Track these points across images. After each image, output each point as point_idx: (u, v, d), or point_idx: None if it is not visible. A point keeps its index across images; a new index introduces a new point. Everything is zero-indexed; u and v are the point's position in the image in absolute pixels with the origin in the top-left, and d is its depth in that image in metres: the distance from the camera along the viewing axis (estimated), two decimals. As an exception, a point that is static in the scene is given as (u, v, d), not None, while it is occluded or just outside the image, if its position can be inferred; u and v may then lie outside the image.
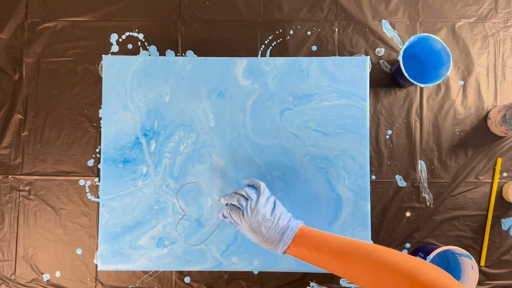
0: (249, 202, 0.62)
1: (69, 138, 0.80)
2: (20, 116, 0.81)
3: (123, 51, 0.81)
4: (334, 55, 0.81)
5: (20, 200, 0.80)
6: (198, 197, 0.74)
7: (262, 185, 0.65)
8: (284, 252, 0.61)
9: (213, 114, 0.74)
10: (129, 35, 0.82)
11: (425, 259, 0.70)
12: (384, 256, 0.53)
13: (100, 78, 0.77)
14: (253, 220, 0.61)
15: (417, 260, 0.52)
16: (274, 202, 0.64)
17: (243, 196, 0.64)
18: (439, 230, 0.78)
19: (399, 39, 0.81)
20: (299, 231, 0.61)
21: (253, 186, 0.67)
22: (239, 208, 0.63)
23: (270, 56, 0.81)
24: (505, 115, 0.73)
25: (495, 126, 0.77)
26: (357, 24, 0.82)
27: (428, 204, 0.79)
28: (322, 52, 0.81)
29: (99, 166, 0.78)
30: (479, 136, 0.80)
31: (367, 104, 0.74)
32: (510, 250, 0.78)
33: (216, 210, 0.73)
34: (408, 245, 0.78)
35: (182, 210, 0.72)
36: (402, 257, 0.53)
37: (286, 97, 0.74)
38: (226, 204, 0.66)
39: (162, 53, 0.81)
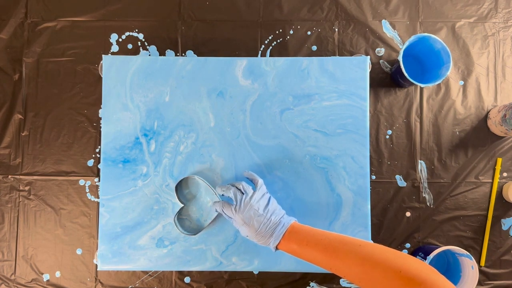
0: (244, 196, 0.64)
1: (69, 138, 0.80)
2: (20, 116, 0.81)
3: (123, 51, 0.81)
4: (334, 55, 0.81)
5: (20, 200, 0.80)
6: (198, 197, 0.74)
7: (260, 182, 0.66)
8: (276, 247, 0.63)
9: (213, 114, 0.74)
10: (129, 35, 0.81)
11: (425, 259, 0.70)
12: (371, 250, 0.55)
13: (100, 78, 0.77)
14: (246, 214, 0.63)
15: (404, 255, 0.54)
16: (269, 199, 0.65)
17: (240, 190, 0.65)
18: (439, 230, 0.78)
19: (399, 39, 0.81)
20: (291, 227, 0.62)
21: (251, 181, 0.68)
22: (232, 203, 0.65)
23: (270, 56, 0.81)
24: (505, 115, 0.73)
25: (495, 126, 0.77)
26: (357, 24, 0.82)
27: (428, 204, 0.79)
28: (322, 52, 0.81)
29: (99, 166, 0.78)
30: (479, 136, 0.80)
31: (367, 104, 0.74)
32: (510, 250, 0.78)
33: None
34: (408, 245, 0.78)
35: (181, 202, 0.72)
36: (389, 252, 0.54)
37: (286, 97, 0.74)
38: (222, 195, 0.67)
39: (162, 53, 0.81)
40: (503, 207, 0.79)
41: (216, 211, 0.67)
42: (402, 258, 0.52)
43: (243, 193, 0.65)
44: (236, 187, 0.66)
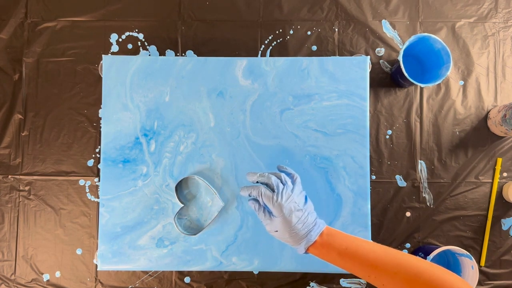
0: (285, 187, 0.60)
1: (69, 138, 0.80)
2: (20, 116, 0.81)
3: (123, 51, 0.81)
4: (334, 55, 0.81)
5: (20, 200, 0.80)
6: (198, 197, 0.74)
7: (298, 177, 0.63)
8: (307, 250, 0.59)
9: (213, 114, 0.74)
10: (129, 35, 0.81)
11: (425, 259, 0.70)
12: (419, 269, 0.53)
13: (100, 78, 0.77)
14: (286, 206, 0.59)
15: (451, 274, 0.52)
16: (306, 197, 0.62)
17: (280, 179, 0.61)
18: (439, 230, 0.78)
19: (399, 39, 0.81)
20: (326, 229, 0.60)
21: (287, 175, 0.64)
22: (272, 190, 0.60)
23: (270, 56, 0.81)
24: (505, 115, 0.73)
25: (495, 126, 0.77)
26: (357, 24, 0.82)
27: (428, 204, 0.79)
28: (322, 52, 0.81)
29: (99, 166, 0.78)
30: (479, 136, 0.80)
31: (367, 104, 0.74)
32: (510, 250, 0.78)
33: (215, 208, 0.72)
34: (408, 245, 0.78)
35: (181, 202, 0.72)
36: (437, 270, 0.53)
37: (286, 97, 0.74)
38: (257, 182, 0.63)
39: (162, 53, 0.81)
40: (503, 207, 0.79)
41: (250, 196, 0.62)
42: (455, 279, 0.51)
43: (283, 184, 0.61)
44: (276, 176, 0.62)
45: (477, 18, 0.82)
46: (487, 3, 0.82)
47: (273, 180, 0.61)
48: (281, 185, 0.60)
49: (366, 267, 0.56)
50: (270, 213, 0.61)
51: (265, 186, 0.61)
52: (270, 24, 0.82)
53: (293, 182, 0.62)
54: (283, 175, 0.62)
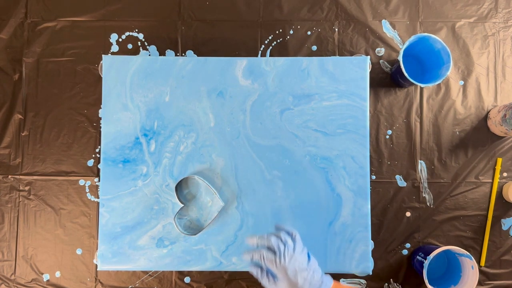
0: (286, 247, 0.58)
1: (69, 138, 0.80)
2: (20, 116, 0.81)
3: (123, 51, 0.81)
4: (334, 55, 0.81)
5: (20, 200, 0.80)
6: (198, 197, 0.74)
7: (297, 234, 0.61)
8: None
9: (213, 114, 0.74)
10: (129, 35, 0.81)
11: (426, 259, 0.70)
12: None
13: (100, 78, 0.77)
14: (290, 267, 0.57)
15: None
16: (308, 253, 0.60)
17: (280, 239, 0.59)
18: (439, 230, 0.78)
19: (399, 39, 0.81)
20: (334, 286, 0.58)
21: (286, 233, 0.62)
22: (273, 253, 0.58)
23: (270, 56, 0.81)
24: (505, 115, 0.73)
25: (495, 126, 0.77)
26: (357, 24, 0.82)
27: (428, 204, 0.79)
28: (322, 52, 0.81)
29: (99, 166, 0.78)
30: (479, 136, 0.80)
31: (367, 104, 0.74)
32: (510, 250, 0.78)
33: (215, 208, 0.72)
34: (408, 245, 0.78)
35: (181, 202, 0.72)
36: None
37: (286, 97, 0.74)
38: (257, 245, 0.61)
39: (162, 53, 0.81)
40: (503, 207, 0.79)
41: (252, 261, 0.60)
42: None
43: (284, 244, 0.58)
44: (276, 237, 0.59)
45: (477, 18, 0.82)
46: (487, 3, 0.82)
47: (273, 241, 0.59)
48: (282, 246, 0.58)
49: None
50: (274, 276, 0.59)
51: (266, 249, 0.59)
52: (270, 24, 0.82)
53: (293, 240, 0.60)
54: (282, 234, 0.60)
